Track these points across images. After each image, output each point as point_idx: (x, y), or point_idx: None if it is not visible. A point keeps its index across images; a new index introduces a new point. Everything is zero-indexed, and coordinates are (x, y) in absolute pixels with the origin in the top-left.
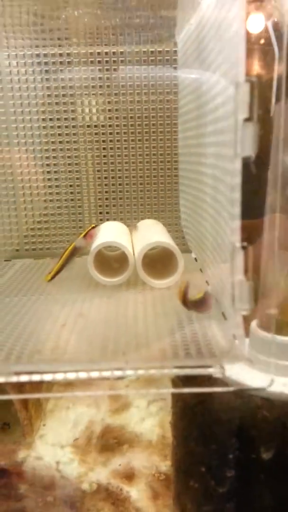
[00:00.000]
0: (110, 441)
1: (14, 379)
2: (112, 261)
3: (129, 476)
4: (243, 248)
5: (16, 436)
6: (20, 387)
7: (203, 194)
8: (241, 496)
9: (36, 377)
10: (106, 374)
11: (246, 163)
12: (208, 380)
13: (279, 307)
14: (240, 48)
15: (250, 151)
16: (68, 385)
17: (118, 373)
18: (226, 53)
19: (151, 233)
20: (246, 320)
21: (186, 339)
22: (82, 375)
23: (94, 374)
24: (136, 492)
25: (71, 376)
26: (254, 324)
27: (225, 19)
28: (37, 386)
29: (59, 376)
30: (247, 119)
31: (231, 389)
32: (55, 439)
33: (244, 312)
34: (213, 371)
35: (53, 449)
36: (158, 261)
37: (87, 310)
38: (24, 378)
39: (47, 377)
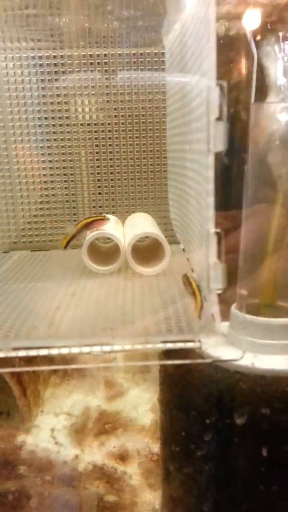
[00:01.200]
0: (105, 426)
1: (13, 354)
2: (104, 251)
3: (123, 457)
4: (217, 234)
5: (15, 422)
6: (18, 375)
7: (187, 187)
8: (217, 458)
9: (32, 352)
10: (96, 349)
11: (221, 157)
12: (190, 354)
13: (254, 290)
14: (211, 56)
15: (221, 147)
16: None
17: (106, 348)
18: (202, 59)
19: (141, 225)
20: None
21: (169, 318)
22: (75, 350)
23: (85, 349)
24: (130, 472)
25: (64, 350)
26: (233, 306)
27: (200, 27)
28: (35, 375)
29: (54, 351)
30: (218, 119)
31: (208, 360)
32: (52, 424)
33: (219, 291)
34: (192, 345)
35: (50, 433)
36: (149, 251)
37: (80, 294)
38: (22, 353)
39: (43, 352)
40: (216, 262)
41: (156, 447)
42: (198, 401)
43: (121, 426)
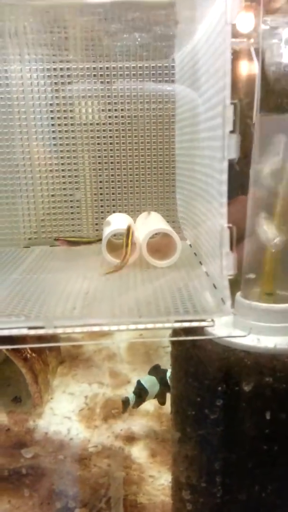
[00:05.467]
0: (111, 411)
1: (59, 330)
2: (117, 245)
3: (129, 438)
4: (229, 228)
5: (27, 407)
6: (30, 364)
7: (197, 189)
8: (227, 421)
9: (69, 330)
10: (123, 327)
11: (231, 163)
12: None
13: (258, 278)
14: (227, 78)
15: (234, 155)
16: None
17: (132, 326)
18: (216, 79)
19: (153, 222)
20: None
21: (185, 301)
22: (105, 328)
23: (114, 328)
24: (136, 451)
25: (96, 329)
26: (238, 295)
27: (215, 51)
28: (44, 365)
29: (87, 329)
30: (232, 131)
31: (221, 336)
32: (62, 410)
33: (230, 277)
34: (206, 324)
35: (60, 418)
36: (159, 246)
37: (103, 282)
38: (59, 330)
39: (77, 329)
40: (228, 252)
41: (160, 430)
42: (210, 370)
43: (126, 411)
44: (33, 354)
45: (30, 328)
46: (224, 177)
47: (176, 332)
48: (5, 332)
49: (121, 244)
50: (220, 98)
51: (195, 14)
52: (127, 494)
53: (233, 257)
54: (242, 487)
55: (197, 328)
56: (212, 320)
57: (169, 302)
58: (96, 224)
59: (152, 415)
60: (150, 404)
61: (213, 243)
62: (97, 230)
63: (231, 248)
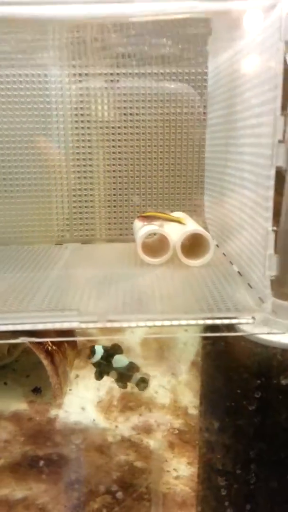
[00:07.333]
0: (129, 404)
1: (108, 325)
2: (148, 244)
3: (147, 430)
4: (274, 231)
5: (47, 398)
6: (52, 356)
7: (231, 192)
8: (265, 412)
9: (116, 324)
10: (158, 323)
11: (279, 171)
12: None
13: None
14: (278, 90)
15: (282, 163)
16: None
17: (175, 322)
18: (263, 89)
19: (187, 223)
20: None
21: (224, 299)
22: (146, 323)
23: (158, 323)
24: (155, 442)
25: (149, 323)
26: None
27: (264, 61)
28: (63, 357)
29: (137, 323)
30: (281, 141)
31: (262, 332)
32: (81, 401)
33: (272, 278)
34: (246, 321)
35: (80, 409)
36: (189, 246)
37: (142, 279)
38: (107, 324)
39: (125, 324)
40: (272, 253)
41: (176, 423)
42: (248, 365)
43: (143, 404)
44: (54, 347)
45: (82, 322)
46: (272, 183)
47: (214, 328)
48: (57, 326)
49: (153, 243)
50: (267, 108)
51: (233, 25)
52: (150, 483)
53: (276, 259)
54: (274, 475)
55: (229, 326)
56: (253, 318)
57: (209, 300)
58: (131, 223)
59: (168, 408)
60: (166, 398)
61: (252, 245)
62: (126, 229)
63: (275, 250)
